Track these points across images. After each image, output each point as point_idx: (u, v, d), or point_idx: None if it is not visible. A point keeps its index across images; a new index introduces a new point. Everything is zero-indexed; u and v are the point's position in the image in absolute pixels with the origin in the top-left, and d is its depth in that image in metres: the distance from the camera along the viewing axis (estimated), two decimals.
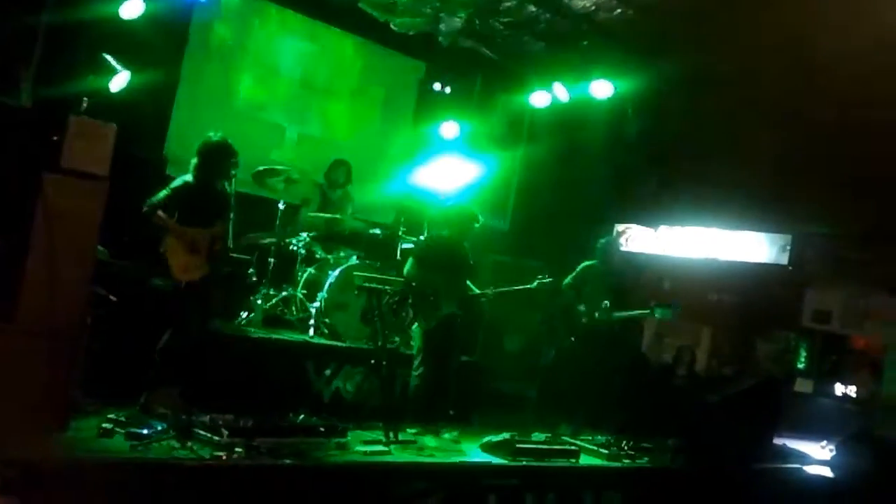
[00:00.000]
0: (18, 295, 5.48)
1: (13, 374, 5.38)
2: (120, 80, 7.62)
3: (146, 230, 6.64)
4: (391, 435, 6.79)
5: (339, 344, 7.92)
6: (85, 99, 6.45)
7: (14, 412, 5.31)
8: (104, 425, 5.71)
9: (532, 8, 10.19)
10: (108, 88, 7.52)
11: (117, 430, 5.70)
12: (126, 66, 7.65)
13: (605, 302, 8.99)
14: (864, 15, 8.37)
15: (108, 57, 7.57)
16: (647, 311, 9.18)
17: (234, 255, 7.23)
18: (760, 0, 9.81)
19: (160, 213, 6.43)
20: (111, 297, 6.79)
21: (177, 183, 6.59)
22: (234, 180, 6.54)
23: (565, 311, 9.25)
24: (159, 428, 5.77)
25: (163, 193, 6.49)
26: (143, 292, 7.09)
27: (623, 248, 10.04)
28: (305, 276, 8.38)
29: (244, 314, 7.99)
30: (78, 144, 5.67)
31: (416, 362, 7.66)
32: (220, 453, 5.60)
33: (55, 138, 5.63)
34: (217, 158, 6.58)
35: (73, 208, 5.68)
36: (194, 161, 6.64)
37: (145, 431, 5.67)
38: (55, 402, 5.55)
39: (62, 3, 7.49)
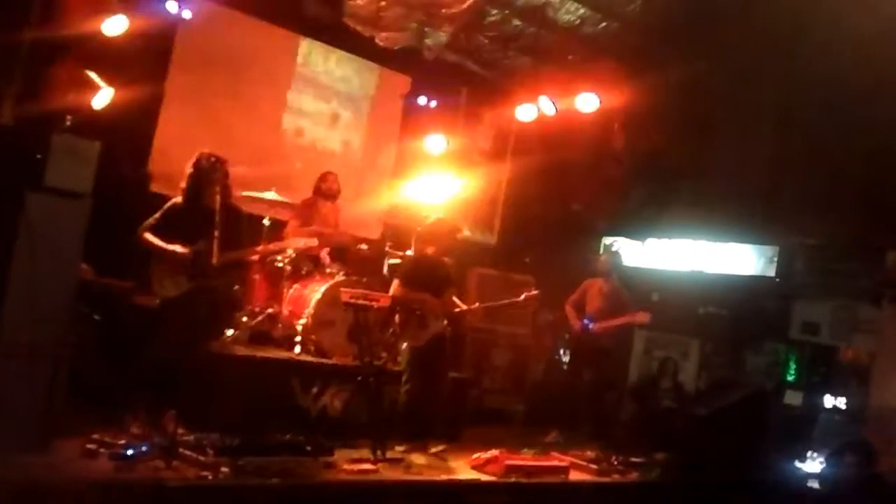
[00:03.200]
0: (0, 314, 5.43)
1: None
2: (103, 97, 7.60)
3: (130, 248, 6.61)
4: (379, 453, 6.74)
5: (326, 361, 7.87)
6: (68, 116, 6.42)
7: None
8: (88, 446, 5.64)
9: (517, 22, 10.23)
10: (91, 105, 7.51)
11: (101, 450, 5.63)
12: (109, 82, 7.64)
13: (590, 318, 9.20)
14: (849, 25, 8.44)
15: (92, 74, 7.55)
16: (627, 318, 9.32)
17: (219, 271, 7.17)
18: (744, 11, 9.89)
19: (147, 234, 6.49)
20: (95, 316, 6.75)
21: (168, 205, 6.68)
22: (217, 196, 6.50)
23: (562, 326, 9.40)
24: (144, 448, 5.70)
25: (155, 216, 6.59)
26: (127, 310, 7.04)
27: (624, 263, 10.14)
28: (291, 292, 8.33)
29: (229, 331, 7.93)
30: (61, 162, 5.62)
31: (403, 378, 7.62)
32: (206, 473, 5.54)
33: (38, 156, 5.58)
34: (202, 171, 6.62)
35: (55, 226, 5.63)
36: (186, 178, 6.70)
37: (130, 452, 5.60)
38: (38, 422, 5.49)
39: (45, 20, 7.46)
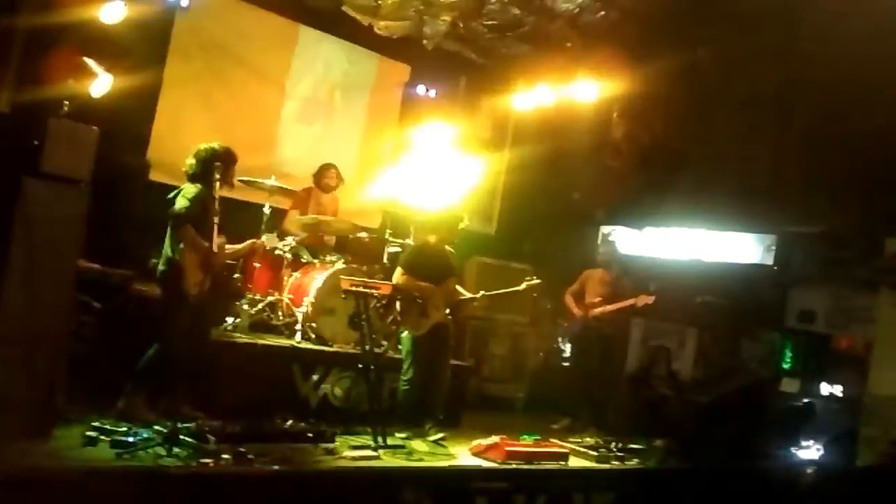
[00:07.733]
0: None
1: None
2: (101, 84, 7.55)
3: (129, 236, 6.56)
4: (380, 440, 6.74)
5: (327, 349, 7.86)
6: (66, 103, 6.36)
7: None
8: (88, 433, 5.62)
9: (516, 10, 10.19)
10: (89, 93, 7.46)
11: (102, 437, 5.61)
12: (108, 69, 7.59)
13: (597, 299, 9.29)
14: (851, 12, 8.42)
15: (90, 60, 7.51)
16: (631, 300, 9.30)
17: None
18: (743, 1, 9.86)
19: (189, 226, 6.24)
20: (94, 304, 6.72)
21: (194, 194, 6.33)
22: (216, 184, 6.45)
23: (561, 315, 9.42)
24: (145, 435, 5.70)
25: (188, 205, 6.24)
26: (126, 298, 7.02)
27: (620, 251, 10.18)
28: (292, 280, 8.32)
29: (230, 320, 7.92)
30: (58, 148, 5.58)
31: (404, 366, 7.62)
32: (208, 460, 5.53)
33: (35, 142, 5.54)
34: (218, 165, 6.39)
35: (53, 213, 5.61)
36: (194, 165, 6.44)
37: (131, 439, 5.60)
38: (38, 410, 5.48)
39: (41, 6, 7.41)
